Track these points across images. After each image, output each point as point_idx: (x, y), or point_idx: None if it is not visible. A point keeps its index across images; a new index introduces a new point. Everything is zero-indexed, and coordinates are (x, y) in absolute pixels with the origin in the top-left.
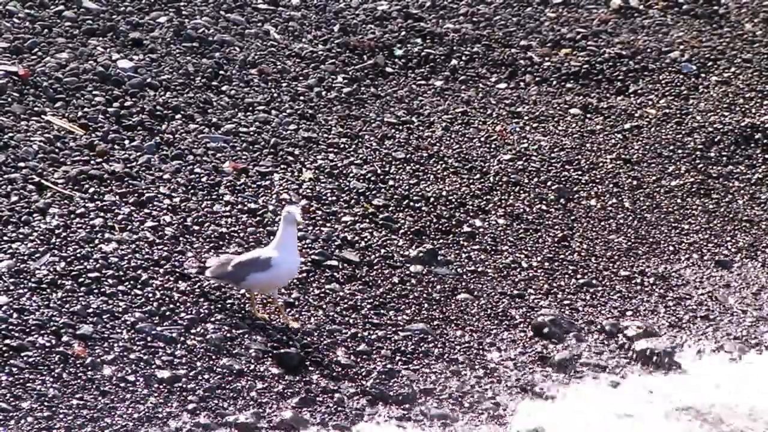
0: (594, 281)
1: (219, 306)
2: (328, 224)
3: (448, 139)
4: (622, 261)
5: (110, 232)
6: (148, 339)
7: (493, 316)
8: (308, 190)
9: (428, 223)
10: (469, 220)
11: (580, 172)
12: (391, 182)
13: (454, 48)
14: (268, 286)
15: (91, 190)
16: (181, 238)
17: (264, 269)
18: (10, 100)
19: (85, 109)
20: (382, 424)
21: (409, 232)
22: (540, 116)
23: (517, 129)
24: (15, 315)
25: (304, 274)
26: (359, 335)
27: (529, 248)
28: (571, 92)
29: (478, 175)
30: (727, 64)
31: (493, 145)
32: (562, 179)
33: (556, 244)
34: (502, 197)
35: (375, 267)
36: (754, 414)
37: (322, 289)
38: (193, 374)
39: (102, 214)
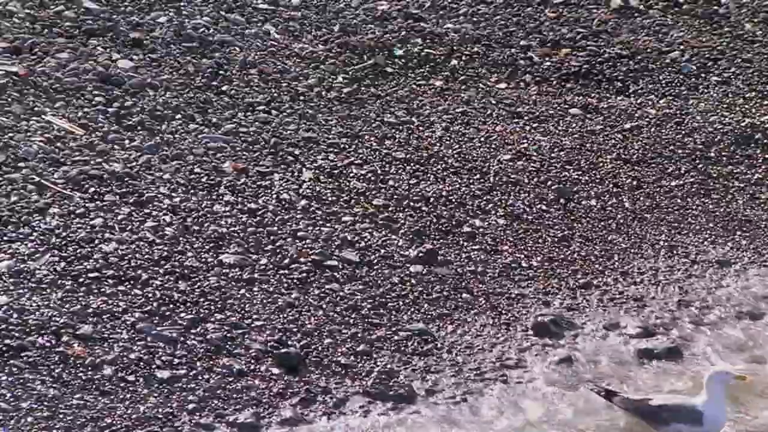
0: (594, 281)
1: (219, 306)
2: (328, 224)
3: (448, 139)
4: (622, 261)
5: (110, 232)
6: (148, 339)
7: (493, 315)
8: (308, 190)
9: (428, 223)
10: (469, 220)
11: (580, 172)
12: (391, 182)
13: (454, 48)
14: None
15: (91, 190)
16: (181, 238)
17: (693, 423)
18: (10, 100)
19: (85, 109)
20: (382, 423)
21: (409, 232)
22: (540, 116)
23: (517, 129)
24: (15, 315)
25: (304, 274)
26: (359, 335)
27: (529, 248)
28: (571, 92)
29: (478, 175)
30: (727, 64)
31: (493, 145)
32: (562, 179)
33: (556, 244)
34: (502, 197)
35: (375, 267)
36: None
37: (322, 289)
38: (193, 374)
39: (102, 214)
